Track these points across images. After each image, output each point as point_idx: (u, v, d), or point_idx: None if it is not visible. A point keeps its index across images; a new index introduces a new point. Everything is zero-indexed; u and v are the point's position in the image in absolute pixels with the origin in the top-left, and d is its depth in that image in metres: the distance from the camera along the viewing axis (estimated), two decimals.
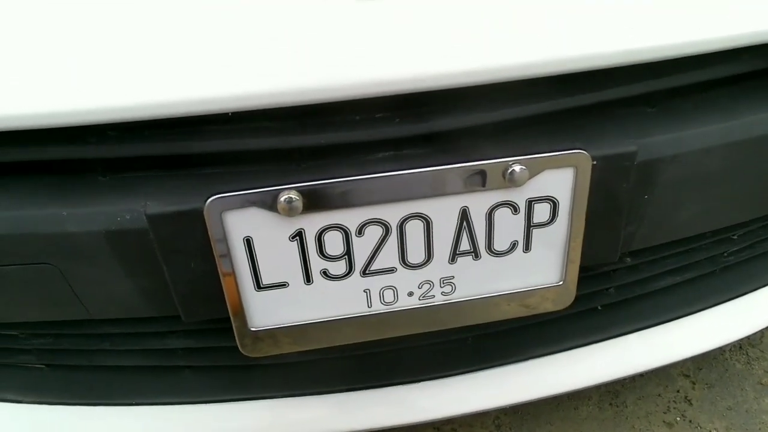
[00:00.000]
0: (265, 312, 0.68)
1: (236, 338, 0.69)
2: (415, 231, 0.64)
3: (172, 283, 0.65)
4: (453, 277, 0.68)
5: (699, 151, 0.66)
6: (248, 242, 0.62)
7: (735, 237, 0.85)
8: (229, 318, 0.67)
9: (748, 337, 1.21)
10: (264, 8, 0.55)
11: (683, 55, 0.62)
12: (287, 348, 0.71)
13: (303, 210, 0.60)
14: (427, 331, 0.73)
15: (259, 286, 0.66)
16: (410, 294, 0.69)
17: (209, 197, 0.59)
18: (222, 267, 0.63)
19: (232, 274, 0.64)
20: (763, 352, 1.18)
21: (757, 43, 0.64)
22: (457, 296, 0.70)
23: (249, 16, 0.55)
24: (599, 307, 0.87)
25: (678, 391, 1.12)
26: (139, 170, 0.64)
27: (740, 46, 0.64)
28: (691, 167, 0.66)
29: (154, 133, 0.60)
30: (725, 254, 0.88)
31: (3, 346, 0.81)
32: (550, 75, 0.59)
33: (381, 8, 0.55)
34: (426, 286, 0.68)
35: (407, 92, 0.57)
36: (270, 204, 0.60)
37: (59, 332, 0.79)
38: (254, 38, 0.55)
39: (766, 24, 0.63)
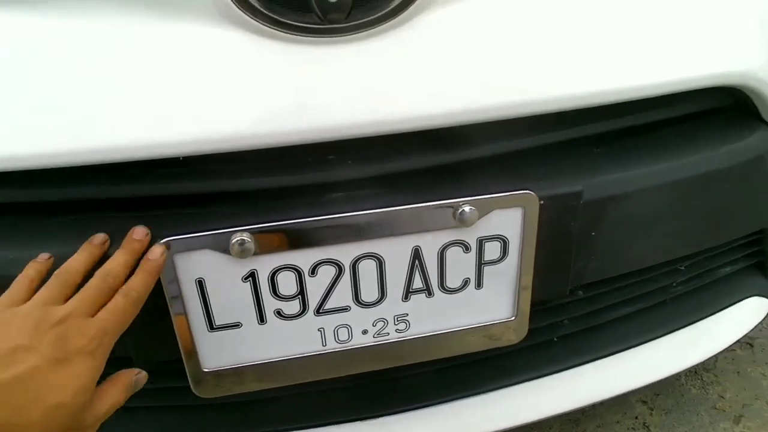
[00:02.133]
0: (218, 352, 0.67)
1: (189, 379, 0.69)
2: (368, 270, 0.64)
3: None
4: (407, 314, 0.69)
5: (642, 189, 0.68)
6: (200, 284, 0.62)
7: (683, 268, 0.88)
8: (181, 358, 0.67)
9: (702, 363, 1.25)
10: (217, 56, 0.56)
11: (626, 100, 0.65)
12: (241, 388, 0.71)
13: (255, 251, 0.60)
14: (382, 368, 0.73)
15: (212, 327, 0.65)
16: (364, 332, 0.69)
17: (161, 239, 0.59)
18: (174, 309, 0.63)
19: (184, 315, 0.63)
20: (717, 376, 1.21)
21: (694, 89, 0.67)
22: (412, 333, 0.70)
23: (201, 64, 0.56)
24: (555, 339, 0.88)
25: (636, 418, 1.14)
26: (87, 212, 0.63)
27: (678, 91, 0.67)
28: (635, 205, 0.69)
29: (104, 175, 0.60)
30: (674, 285, 0.90)
31: None
32: (499, 119, 0.60)
33: (333, 55, 0.56)
34: (380, 324, 0.69)
35: (358, 136, 0.58)
36: (222, 246, 0.60)
37: None
38: (206, 85, 0.55)
39: (701, 71, 0.67)
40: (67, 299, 0.54)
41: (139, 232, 0.58)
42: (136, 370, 0.59)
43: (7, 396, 0.47)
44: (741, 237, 0.88)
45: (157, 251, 0.58)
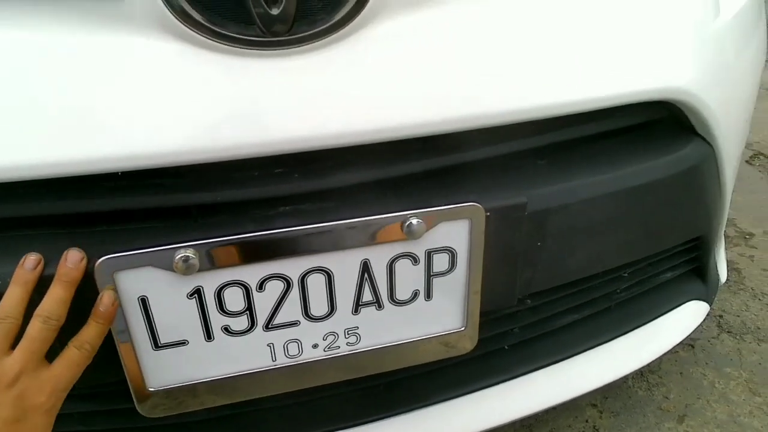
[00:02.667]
0: (164, 371, 0.65)
1: (134, 399, 0.66)
2: (317, 284, 0.64)
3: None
4: (357, 327, 0.68)
5: (584, 200, 0.70)
6: (143, 302, 0.60)
7: (626, 275, 0.91)
8: (125, 379, 0.65)
9: (648, 365, 1.29)
10: (157, 69, 0.55)
11: (569, 113, 0.67)
12: (190, 407, 0.69)
13: (200, 268, 0.59)
14: (333, 381, 0.72)
15: (156, 345, 0.63)
16: (315, 346, 0.68)
17: (99, 257, 0.57)
18: (116, 328, 0.61)
19: (128, 334, 0.62)
20: (661, 378, 1.25)
21: (631, 103, 0.70)
22: (363, 346, 0.70)
23: (142, 77, 0.54)
24: (506, 347, 0.90)
25: (587, 421, 1.17)
26: (23, 229, 0.60)
27: (616, 105, 0.69)
28: (578, 215, 0.71)
29: (41, 191, 0.58)
30: (618, 291, 0.93)
31: None
32: (442, 133, 0.61)
33: (276, 68, 0.56)
34: (331, 338, 0.68)
35: (303, 150, 0.57)
36: (165, 263, 0.58)
37: None
38: (147, 98, 0.54)
39: (637, 86, 0.69)
40: (12, 344, 0.53)
41: (73, 258, 0.55)
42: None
43: None
44: (680, 244, 0.91)
45: (107, 300, 0.57)
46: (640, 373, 1.26)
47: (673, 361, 1.29)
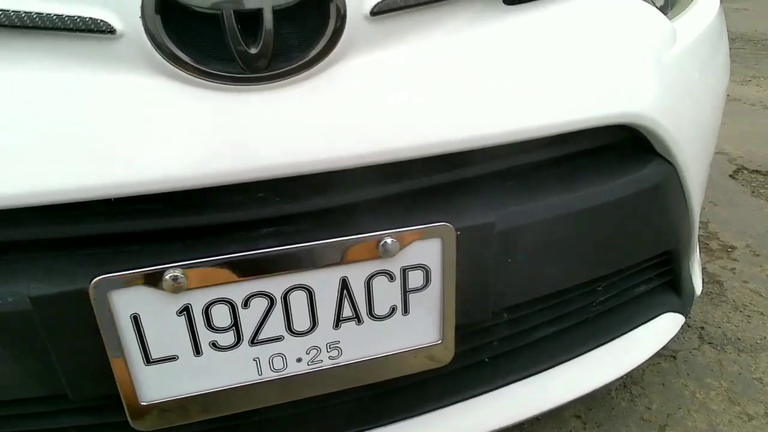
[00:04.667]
0: (155, 385, 0.69)
1: (127, 413, 0.70)
2: (299, 301, 0.68)
3: (59, 363, 0.65)
4: (339, 341, 0.72)
5: (551, 219, 0.74)
6: (135, 319, 0.64)
7: (600, 288, 0.95)
8: (118, 393, 0.68)
9: (630, 376, 1.32)
10: (143, 104, 0.59)
11: (533, 137, 0.72)
12: (180, 419, 0.72)
13: (189, 286, 0.63)
14: (318, 393, 0.76)
15: (148, 360, 0.67)
16: (299, 360, 0.72)
17: (94, 278, 0.61)
18: (109, 344, 0.65)
19: (120, 350, 0.65)
20: (644, 389, 1.28)
21: (593, 126, 0.74)
22: (344, 359, 0.74)
23: (129, 112, 0.59)
24: (486, 360, 0.93)
25: None
26: (21, 252, 0.65)
27: (579, 129, 0.74)
28: (545, 234, 0.75)
29: (38, 216, 0.62)
30: (594, 304, 0.97)
31: None
32: (413, 158, 0.66)
33: (255, 102, 0.61)
34: (313, 352, 0.72)
35: (282, 176, 0.62)
36: (155, 282, 0.63)
37: None
38: (135, 131, 0.59)
39: (598, 111, 0.74)
40: None
41: None
42: None
43: None
44: (649, 259, 0.95)
45: None
46: (624, 385, 1.30)
47: (655, 372, 1.33)
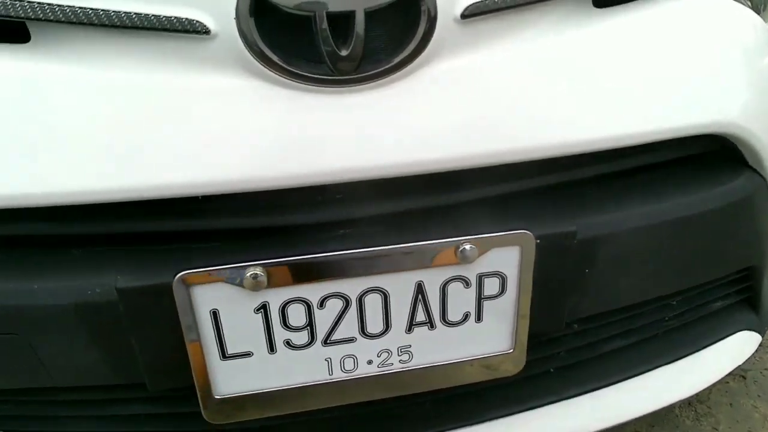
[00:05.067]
0: (229, 380, 0.70)
1: (201, 405, 0.71)
2: (373, 303, 0.68)
3: (140, 353, 0.67)
4: (410, 346, 0.72)
5: (633, 229, 0.72)
6: (215, 314, 0.65)
7: (674, 303, 0.91)
8: (194, 385, 0.70)
9: (696, 394, 1.27)
10: (234, 104, 0.60)
11: (621, 146, 0.70)
12: (250, 415, 0.73)
13: (267, 285, 0.64)
14: (386, 397, 0.76)
15: (224, 355, 0.68)
16: (369, 362, 0.72)
17: (178, 272, 0.62)
18: (188, 338, 0.66)
19: (199, 344, 0.67)
20: (710, 408, 1.23)
21: (683, 136, 0.72)
22: (414, 364, 0.74)
23: (220, 111, 0.60)
24: (552, 370, 0.91)
25: None
26: (110, 245, 0.67)
27: (669, 138, 0.71)
28: (627, 245, 0.72)
29: (126, 211, 0.64)
30: (667, 319, 0.93)
31: None
32: (498, 164, 0.65)
33: (343, 104, 0.61)
34: (384, 355, 0.72)
35: (367, 179, 0.62)
36: (236, 279, 0.63)
37: (22, 399, 0.79)
38: (225, 130, 0.60)
39: (689, 120, 0.71)
40: None
41: None
42: None
43: None
44: (730, 274, 0.91)
45: None
46: (689, 403, 1.25)
47: (723, 392, 1.27)
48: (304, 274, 0.65)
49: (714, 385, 1.27)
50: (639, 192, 0.76)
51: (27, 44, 0.60)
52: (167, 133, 0.60)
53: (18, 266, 0.66)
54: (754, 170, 0.80)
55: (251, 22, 0.57)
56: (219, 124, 0.60)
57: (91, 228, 0.65)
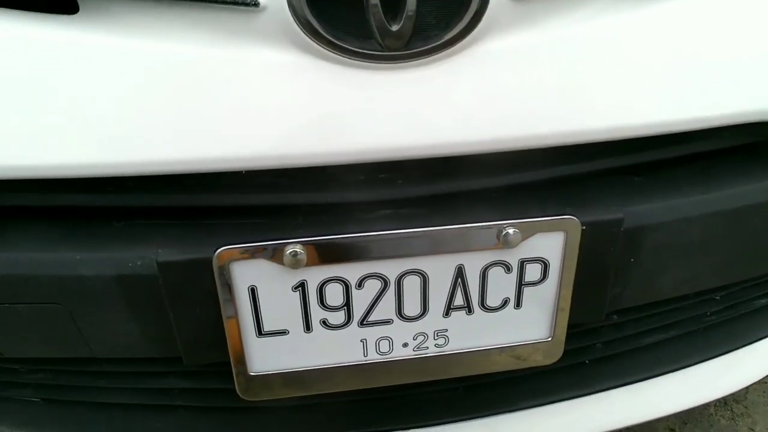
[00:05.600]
0: (264, 357, 0.70)
1: (235, 382, 0.72)
2: (412, 286, 0.67)
3: (177, 327, 0.67)
4: (446, 330, 0.71)
5: (681, 219, 0.70)
6: (252, 291, 0.65)
7: (717, 298, 0.89)
8: (228, 361, 0.70)
9: (732, 394, 1.24)
10: (281, 78, 0.59)
11: (668, 132, 0.67)
12: (284, 393, 0.74)
13: (306, 263, 0.63)
14: (420, 380, 0.75)
15: (260, 332, 0.68)
16: (405, 345, 0.71)
17: (219, 248, 0.62)
18: (226, 313, 0.66)
19: (236, 320, 0.67)
20: (747, 408, 1.20)
21: (733, 124, 0.69)
22: (450, 348, 0.73)
23: (266, 85, 0.59)
24: (587, 362, 0.90)
25: None
26: (151, 218, 0.67)
27: (718, 126, 0.68)
28: (674, 235, 0.70)
29: (168, 185, 0.64)
30: (708, 314, 0.91)
31: (2, 379, 0.82)
32: (545, 147, 0.63)
33: (391, 81, 0.59)
34: (420, 338, 0.71)
35: (412, 158, 0.61)
36: (275, 256, 0.63)
37: (59, 368, 0.81)
38: (270, 105, 0.59)
39: (739, 107, 0.68)
40: None
41: None
42: None
43: None
44: None
45: None
46: (724, 402, 1.22)
47: (761, 392, 1.24)
48: (344, 253, 0.64)
49: (752, 385, 1.25)
50: (688, 181, 0.73)
51: (75, 15, 0.60)
52: (213, 107, 0.59)
53: (61, 237, 0.66)
54: None
55: None
56: (265, 98, 0.59)
57: (135, 201, 0.65)
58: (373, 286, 0.67)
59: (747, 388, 1.25)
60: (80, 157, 0.59)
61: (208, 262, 0.63)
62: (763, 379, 1.26)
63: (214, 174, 0.62)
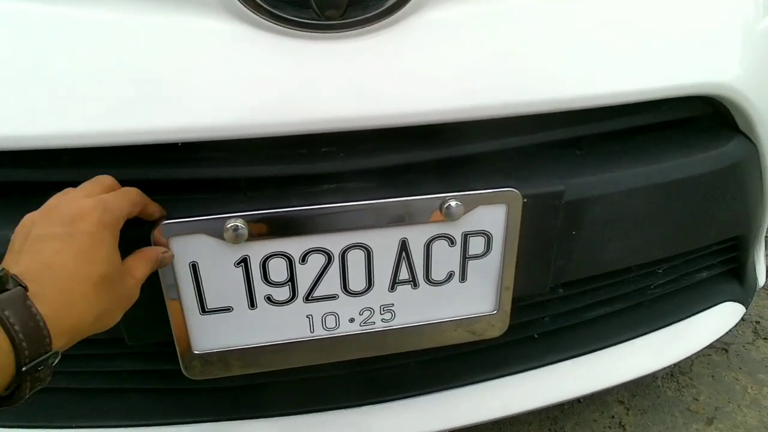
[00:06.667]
0: (209, 336, 0.69)
1: (180, 361, 0.71)
2: (356, 260, 0.67)
3: None
4: (393, 304, 0.71)
5: (622, 192, 0.71)
6: (194, 267, 0.64)
7: (660, 271, 0.91)
8: (173, 340, 0.69)
9: (678, 365, 1.28)
10: (216, 47, 0.58)
11: (611, 104, 0.68)
12: (231, 371, 0.73)
13: (248, 238, 0.63)
14: (368, 356, 0.75)
15: (203, 310, 0.67)
16: (351, 320, 0.71)
17: (158, 223, 0.61)
18: (167, 291, 0.65)
19: (178, 298, 0.66)
20: (692, 379, 1.24)
21: (675, 96, 0.70)
22: (397, 323, 0.73)
23: (200, 55, 0.58)
24: (536, 335, 0.91)
25: (613, 417, 1.17)
26: None
27: (659, 98, 0.70)
28: (615, 207, 0.72)
29: (103, 159, 0.62)
30: (652, 286, 0.93)
31: None
32: (485, 119, 0.63)
33: (328, 51, 0.59)
34: (366, 313, 0.71)
35: (350, 130, 0.60)
36: (217, 231, 0.62)
37: None
38: (205, 75, 0.58)
39: (681, 80, 0.70)
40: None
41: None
42: (162, 249, 0.61)
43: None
44: (717, 243, 0.91)
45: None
46: (670, 374, 1.26)
47: (705, 364, 1.28)
48: (286, 227, 0.63)
49: (696, 356, 1.29)
50: (629, 154, 0.75)
51: None
52: (148, 77, 0.58)
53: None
54: (746, 136, 0.79)
55: None
56: (202, 68, 0.58)
57: (70, 175, 0.63)
58: (317, 261, 0.66)
59: (692, 360, 1.29)
60: (6, 130, 0.57)
61: (146, 237, 0.61)
62: (708, 351, 1.31)
63: (151, 147, 0.60)
